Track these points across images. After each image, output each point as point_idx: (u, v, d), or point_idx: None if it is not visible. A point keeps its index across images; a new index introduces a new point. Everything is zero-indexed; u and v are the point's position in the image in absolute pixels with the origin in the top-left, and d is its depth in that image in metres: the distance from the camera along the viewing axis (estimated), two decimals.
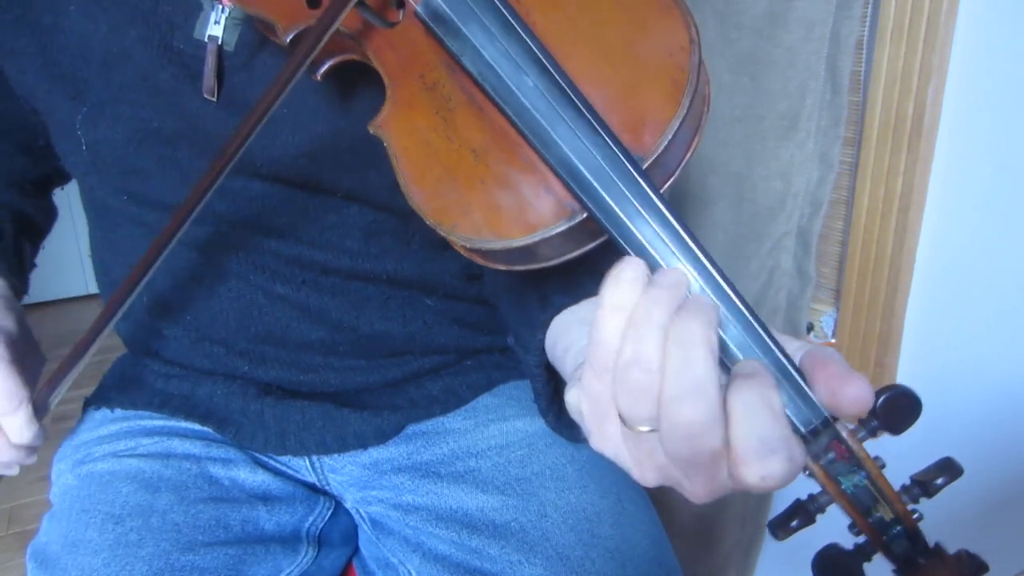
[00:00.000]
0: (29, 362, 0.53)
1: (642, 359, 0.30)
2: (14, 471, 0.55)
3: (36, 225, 0.70)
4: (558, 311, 0.47)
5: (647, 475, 0.34)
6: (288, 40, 0.43)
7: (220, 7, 0.51)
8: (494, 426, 0.65)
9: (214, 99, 0.52)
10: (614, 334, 0.31)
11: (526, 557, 0.56)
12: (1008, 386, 0.77)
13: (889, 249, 0.81)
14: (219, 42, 0.51)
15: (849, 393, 0.32)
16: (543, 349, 0.47)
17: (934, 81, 0.73)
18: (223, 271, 0.61)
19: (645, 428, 0.32)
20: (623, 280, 0.31)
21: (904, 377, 0.86)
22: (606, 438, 0.34)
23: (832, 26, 0.77)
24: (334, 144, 0.53)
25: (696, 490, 0.33)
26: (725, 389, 0.31)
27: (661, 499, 1.12)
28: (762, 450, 0.30)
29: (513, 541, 0.57)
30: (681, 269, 0.33)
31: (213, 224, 0.59)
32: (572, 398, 0.36)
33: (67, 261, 2.67)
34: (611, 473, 0.64)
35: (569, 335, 0.44)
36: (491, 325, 0.70)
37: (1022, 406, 0.76)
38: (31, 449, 0.53)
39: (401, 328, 0.64)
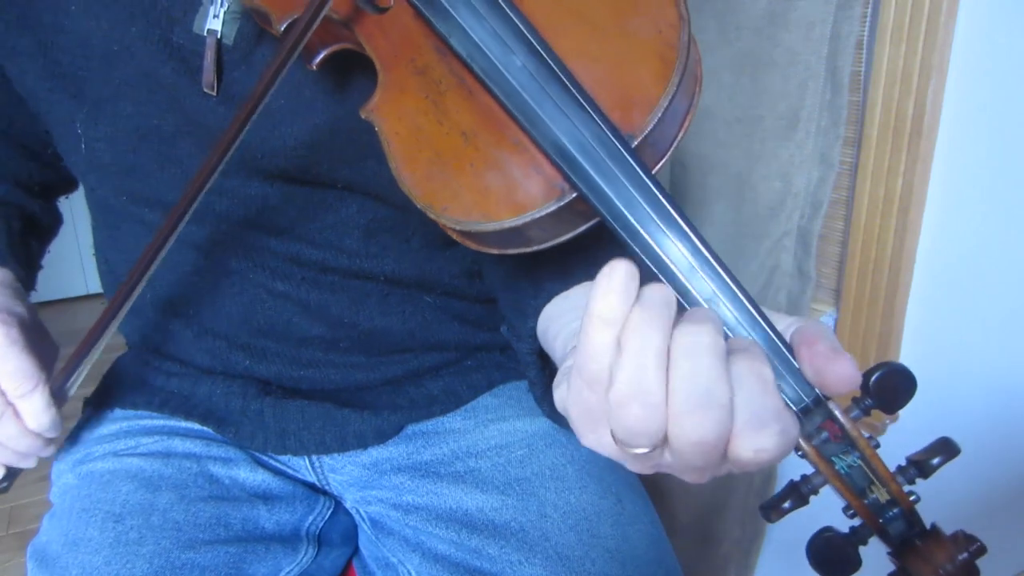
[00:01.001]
0: (41, 351, 0.51)
1: (643, 392, 0.29)
2: (31, 463, 0.53)
3: (43, 227, 0.70)
4: (550, 298, 0.46)
5: (644, 470, 0.33)
6: (282, 29, 0.44)
7: (219, 0, 0.51)
8: (494, 426, 0.65)
9: (214, 93, 0.52)
10: (605, 347, 0.30)
11: (526, 557, 0.56)
12: (1008, 386, 0.77)
13: (889, 249, 0.81)
14: (218, 36, 0.51)
15: (834, 372, 0.31)
16: (535, 336, 0.47)
17: (934, 81, 0.73)
18: (224, 269, 0.61)
19: (642, 451, 0.30)
20: (613, 290, 0.30)
21: None
22: (600, 443, 0.33)
23: (832, 26, 0.77)
24: (332, 134, 0.53)
25: (693, 478, 0.33)
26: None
27: (661, 499, 1.12)
28: (754, 423, 0.29)
29: (513, 541, 0.57)
30: (668, 287, 0.31)
31: (213, 223, 0.59)
32: (560, 397, 0.35)
33: (67, 261, 2.67)
34: (611, 473, 0.64)
35: (560, 320, 0.44)
36: (491, 322, 0.70)
37: (1022, 406, 0.76)
38: (48, 440, 0.51)
39: (401, 324, 0.64)
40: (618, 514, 0.60)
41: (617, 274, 0.30)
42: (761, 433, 0.29)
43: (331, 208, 0.58)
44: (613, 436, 0.31)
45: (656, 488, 1.12)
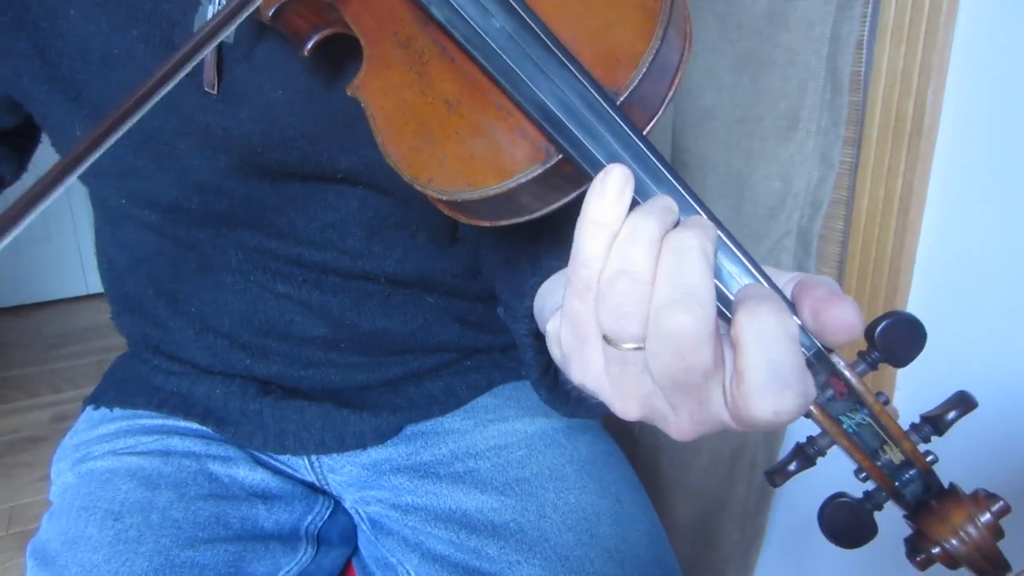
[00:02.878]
0: None
1: (631, 269, 0.29)
2: None
3: None
4: (548, 275, 0.46)
5: (630, 405, 0.32)
6: (270, 15, 0.43)
7: (216, 0, 0.51)
8: (493, 427, 0.65)
9: (214, 92, 0.52)
10: (597, 250, 0.30)
11: (525, 557, 0.56)
12: (1008, 386, 0.77)
13: (889, 249, 0.81)
14: None
15: (833, 315, 0.30)
16: (532, 316, 0.47)
17: (934, 81, 0.72)
18: (226, 269, 0.61)
19: (631, 345, 0.30)
20: (608, 191, 0.30)
21: (904, 377, 0.86)
22: (588, 364, 0.32)
23: (832, 26, 0.77)
24: (330, 121, 0.53)
25: (682, 423, 0.31)
26: (731, 311, 0.29)
27: (661, 499, 1.12)
28: (776, 383, 0.27)
29: (512, 541, 0.57)
30: (670, 198, 0.31)
31: (213, 225, 0.59)
32: (552, 326, 0.35)
33: (67, 261, 2.67)
34: (610, 473, 0.64)
35: (556, 295, 0.43)
36: (492, 324, 0.70)
37: (1022, 406, 0.76)
38: None
39: (402, 326, 0.64)
40: (617, 514, 0.60)
41: (612, 177, 0.30)
42: (783, 394, 0.27)
43: (331, 206, 0.58)
44: (604, 333, 0.30)
45: (656, 488, 1.12)
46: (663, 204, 0.31)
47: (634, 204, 0.32)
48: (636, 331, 0.29)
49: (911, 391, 0.87)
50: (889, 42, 0.75)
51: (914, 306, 0.83)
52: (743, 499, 1.06)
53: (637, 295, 0.29)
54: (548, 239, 0.48)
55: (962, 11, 0.71)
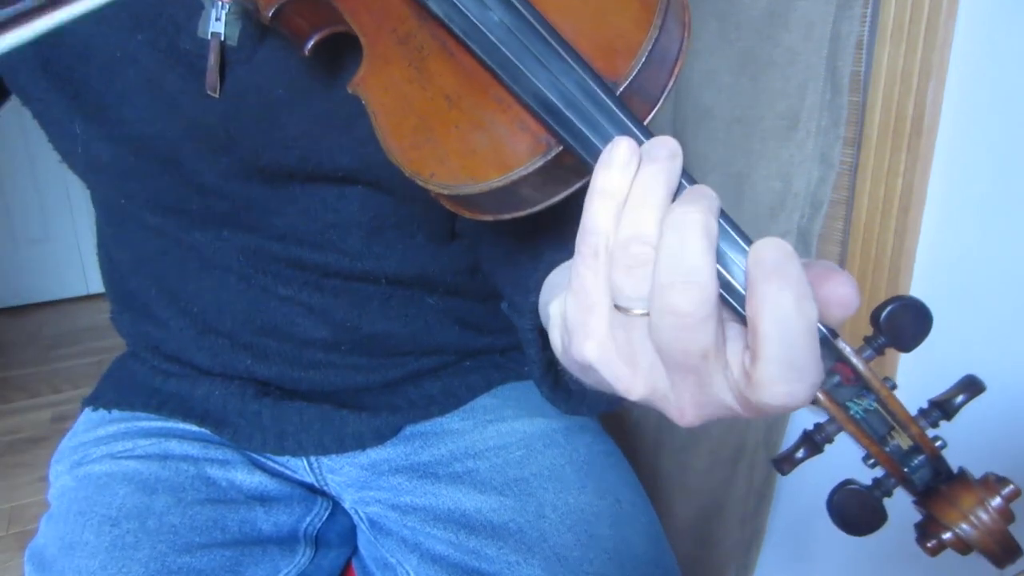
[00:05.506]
0: None
1: (642, 233, 0.30)
2: None
3: None
4: (550, 268, 0.46)
5: (636, 380, 0.31)
6: (270, 15, 0.44)
7: (220, 3, 0.51)
8: (492, 427, 0.65)
9: (216, 95, 0.52)
10: (606, 219, 0.31)
11: (524, 557, 0.56)
12: (1008, 386, 0.77)
13: (889, 249, 0.81)
14: (221, 38, 0.51)
15: (830, 289, 0.29)
16: (536, 311, 0.46)
17: (934, 81, 0.72)
18: (228, 271, 0.61)
19: (638, 311, 0.30)
20: (615, 162, 0.31)
21: (904, 377, 0.86)
22: (590, 334, 0.32)
23: (832, 26, 0.77)
24: (330, 120, 0.53)
25: (683, 405, 0.31)
26: (746, 286, 0.28)
27: (661, 499, 1.12)
28: (792, 375, 0.27)
29: (511, 541, 0.57)
30: (673, 140, 0.31)
31: (214, 228, 0.59)
32: (556, 306, 0.35)
33: (67, 261, 2.67)
34: (610, 473, 0.64)
35: (559, 288, 0.43)
36: (491, 325, 0.70)
37: (1022, 406, 0.76)
38: None
39: (402, 328, 0.64)
40: (616, 514, 0.60)
41: (618, 149, 0.31)
42: (796, 385, 0.27)
43: (332, 207, 0.58)
44: (614, 296, 0.31)
45: (656, 488, 1.12)
46: (669, 151, 0.31)
47: None
48: (645, 292, 0.30)
49: (911, 391, 0.86)
50: (889, 42, 0.75)
51: None
52: (743, 499, 1.06)
53: (648, 255, 0.29)
54: (547, 233, 0.48)
55: (962, 11, 0.71)
